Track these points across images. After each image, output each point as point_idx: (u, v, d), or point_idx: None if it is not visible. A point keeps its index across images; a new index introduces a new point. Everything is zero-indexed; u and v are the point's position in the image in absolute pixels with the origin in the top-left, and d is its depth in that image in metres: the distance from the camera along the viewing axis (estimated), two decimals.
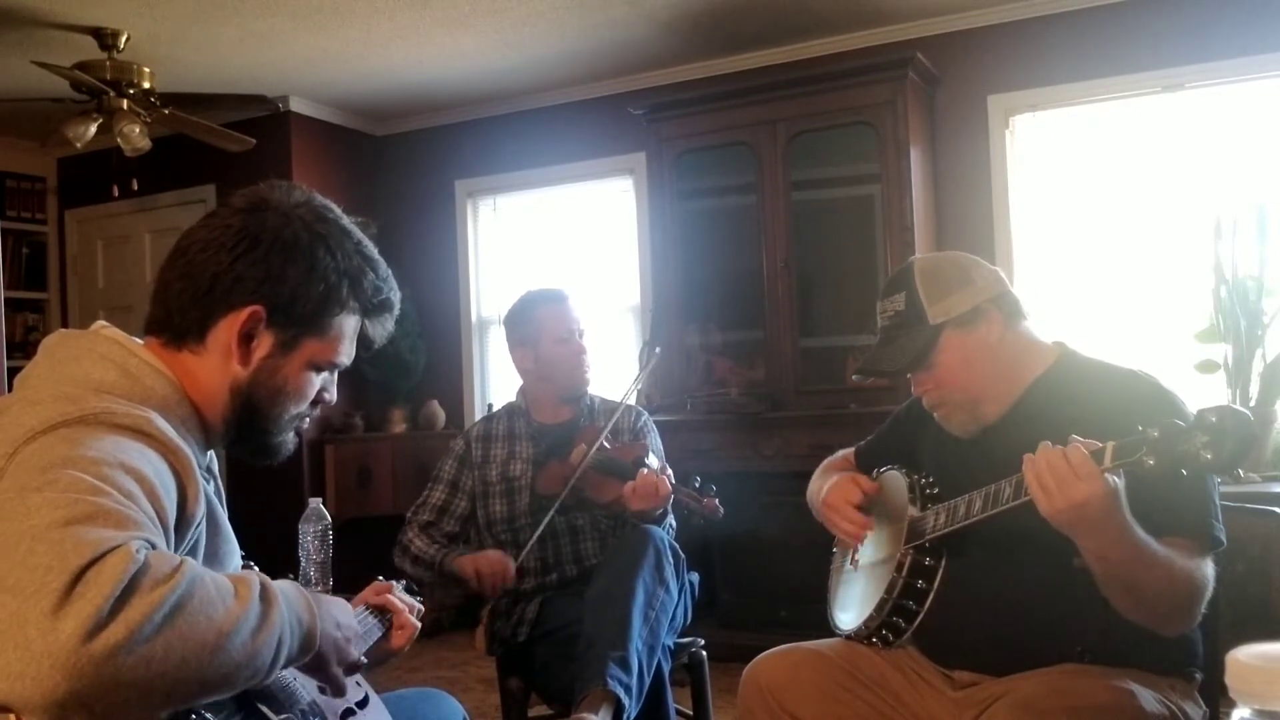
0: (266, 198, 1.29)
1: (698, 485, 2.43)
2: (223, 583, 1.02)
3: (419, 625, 1.58)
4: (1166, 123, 4.07)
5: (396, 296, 1.38)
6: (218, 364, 1.26)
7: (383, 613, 1.55)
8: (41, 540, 0.93)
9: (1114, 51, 4.09)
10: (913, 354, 1.76)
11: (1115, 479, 1.40)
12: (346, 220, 1.34)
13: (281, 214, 1.27)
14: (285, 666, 1.10)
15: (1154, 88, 4.06)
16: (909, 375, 1.81)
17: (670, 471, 2.44)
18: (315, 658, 1.16)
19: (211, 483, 1.26)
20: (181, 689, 0.95)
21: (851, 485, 1.93)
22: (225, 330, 1.25)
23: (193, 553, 1.16)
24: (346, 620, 1.27)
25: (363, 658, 1.29)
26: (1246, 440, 1.31)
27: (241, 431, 1.30)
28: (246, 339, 1.26)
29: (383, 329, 1.38)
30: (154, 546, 0.99)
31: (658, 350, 3.24)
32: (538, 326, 2.66)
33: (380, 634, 1.53)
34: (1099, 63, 4.12)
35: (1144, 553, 1.45)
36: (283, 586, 1.11)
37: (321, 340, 1.30)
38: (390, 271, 1.38)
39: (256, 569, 1.24)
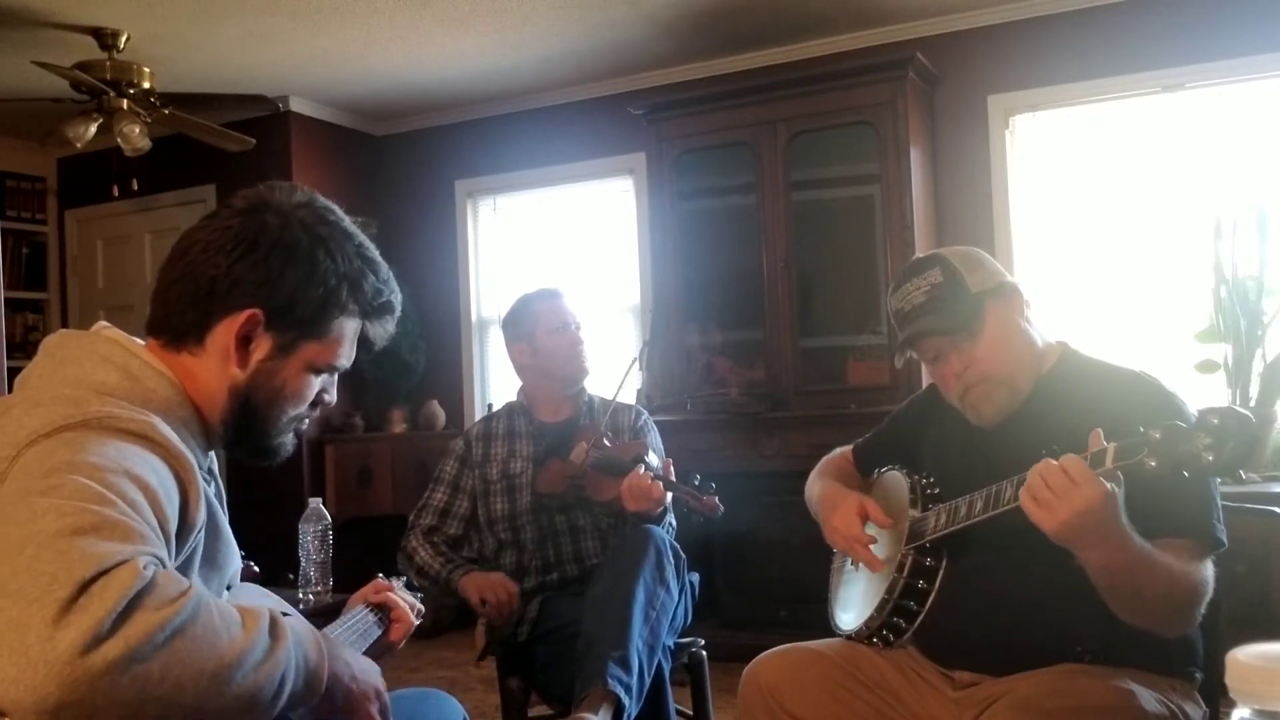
0: (267, 199, 1.28)
1: (697, 483, 2.43)
2: (230, 613, 1.00)
3: (415, 621, 1.59)
4: (1166, 123, 4.07)
5: (398, 299, 1.37)
6: (216, 366, 1.25)
7: (382, 610, 1.55)
8: (47, 548, 0.92)
9: (1114, 51, 4.09)
10: (964, 316, 1.70)
11: (1113, 485, 1.40)
12: (348, 222, 1.32)
13: (281, 216, 1.26)
14: (290, 707, 1.07)
15: (1154, 88, 4.06)
16: (952, 343, 1.72)
17: (671, 465, 2.45)
18: (324, 705, 1.13)
19: (212, 485, 1.25)
20: (174, 714, 0.93)
21: (856, 519, 1.83)
22: (223, 333, 1.24)
23: (191, 558, 1.15)
24: (366, 677, 1.21)
25: (378, 717, 1.22)
26: (1248, 442, 1.31)
27: (240, 433, 1.29)
28: (244, 341, 1.25)
29: (383, 331, 1.37)
30: (163, 564, 0.98)
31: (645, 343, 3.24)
32: (533, 320, 2.70)
33: (380, 632, 1.53)
34: (1099, 63, 4.12)
35: (1143, 558, 1.45)
36: (294, 624, 1.08)
37: (321, 343, 1.29)
38: (391, 274, 1.37)
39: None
